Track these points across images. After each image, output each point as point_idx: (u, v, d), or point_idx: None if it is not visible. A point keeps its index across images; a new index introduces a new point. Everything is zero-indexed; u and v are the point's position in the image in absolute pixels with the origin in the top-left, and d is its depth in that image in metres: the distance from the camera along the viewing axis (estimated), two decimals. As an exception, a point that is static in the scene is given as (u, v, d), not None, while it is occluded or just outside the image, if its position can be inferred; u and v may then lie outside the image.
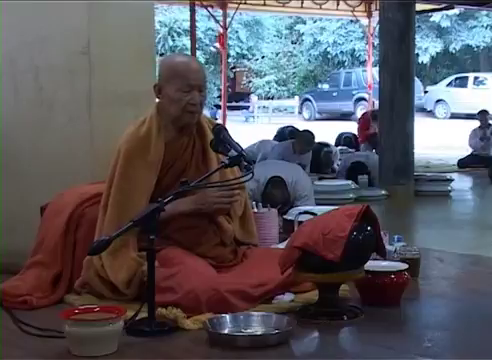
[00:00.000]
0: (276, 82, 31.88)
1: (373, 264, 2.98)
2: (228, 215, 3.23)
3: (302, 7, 16.03)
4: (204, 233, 3.14)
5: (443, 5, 15.63)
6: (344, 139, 13.13)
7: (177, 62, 3.14)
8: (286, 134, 11.95)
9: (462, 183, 10.34)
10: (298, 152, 9.14)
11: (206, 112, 19.67)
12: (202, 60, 27.80)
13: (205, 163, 3.17)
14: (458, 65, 30.97)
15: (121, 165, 3.07)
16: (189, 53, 15.28)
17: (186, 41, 25.03)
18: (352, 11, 16.80)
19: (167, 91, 3.08)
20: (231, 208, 3.20)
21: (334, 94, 25.62)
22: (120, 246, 2.94)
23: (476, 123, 12.86)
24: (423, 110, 23.53)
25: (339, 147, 12.01)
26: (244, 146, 7.81)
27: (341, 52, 30.48)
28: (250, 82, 32.27)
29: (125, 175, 3.06)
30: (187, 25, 18.77)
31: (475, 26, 28.91)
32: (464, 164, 11.94)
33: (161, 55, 27.24)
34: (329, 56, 31.11)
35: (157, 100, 3.21)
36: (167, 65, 3.16)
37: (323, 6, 16.03)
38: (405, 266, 3.06)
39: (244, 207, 3.33)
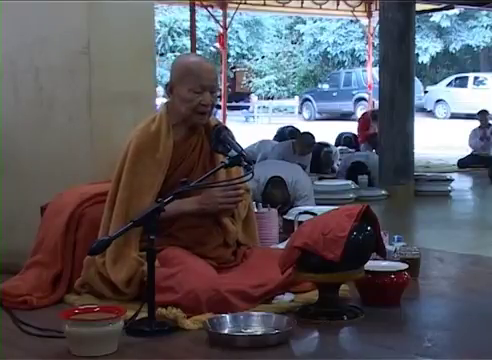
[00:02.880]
0: (276, 82, 31.89)
1: (373, 264, 2.98)
2: (232, 217, 3.23)
3: (302, 7, 16.04)
4: (208, 233, 3.14)
5: (443, 5, 15.63)
6: (344, 139, 13.13)
7: (190, 62, 3.14)
8: (286, 134, 11.95)
9: (462, 183, 10.33)
10: (298, 153, 9.15)
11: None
12: (202, 60, 27.77)
13: (212, 164, 3.17)
14: (458, 65, 30.97)
15: (130, 161, 3.07)
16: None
17: (186, 41, 25.06)
18: (352, 11, 16.80)
19: (179, 91, 3.08)
20: (235, 209, 3.20)
21: (334, 94, 25.62)
22: (122, 245, 2.95)
23: (476, 123, 12.85)
24: (423, 110, 23.53)
25: (339, 147, 12.00)
26: (244, 146, 7.80)
27: (341, 52, 30.49)
28: (250, 82, 32.27)
29: (133, 171, 3.06)
30: (187, 25, 18.79)
31: (475, 26, 28.91)
32: (464, 164, 11.93)
33: (161, 55, 27.28)
34: (329, 56, 31.12)
35: (165, 100, 3.20)
36: (180, 65, 3.15)
37: (323, 6, 16.04)
38: (405, 266, 3.06)
39: (247, 211, 3.33)
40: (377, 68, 10.68)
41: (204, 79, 3.06)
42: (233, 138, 3.07)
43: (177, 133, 3.14)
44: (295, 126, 13.08)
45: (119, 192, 3.06)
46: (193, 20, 14.57)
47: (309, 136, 9.40)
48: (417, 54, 25.63)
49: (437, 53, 29.73)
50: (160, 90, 14.90)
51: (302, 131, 10.55)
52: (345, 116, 24.22)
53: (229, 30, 17.10)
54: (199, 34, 25.01)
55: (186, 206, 3.03)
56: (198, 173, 3.10)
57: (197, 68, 3.07)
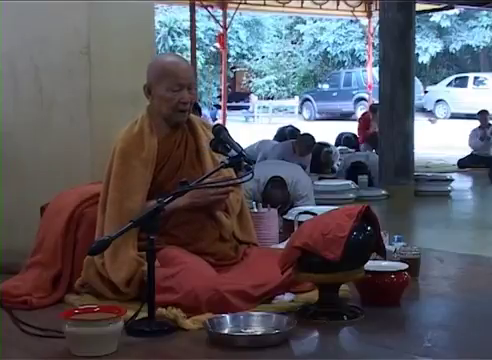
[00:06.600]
0: (276, 82, 31.89)
1: (373, 264, 2.98)
2: (226, 211, 3.24)
3: (302, 7, 16.08)
4: (203, 228, 3.15)
5: (443, 5, 15.65)
6: (344, 139, 13.13)
7: (166, 62, 3.17)
8: (286, 134, 11.95)
9: (462, 183, 10.33)
10: (298, 154, 9.16)
11: (206, 112, 19.71)
12: (202, 60, 27.82)
13: (199, 161, 3.21)
14: (458, 65, 30.96)
15: (116, 164, 3.10)
16: (189, 53, 15.31)
17: (186, 41, 25.05)
18: (352, 11, 16.83)
19: (157, 91, 3.12)
20: (228, 204, 3.21)
21: (334, 94, 25.60)
22: (120, 245, 2.95)
23: (476, 123, 12.85)
24: (423, 110, 23.51)
25: (339, 147, 12.00)
26: (244, 146, 7.81)
27: (341, 52, 30.48)
28: (250, 82, 32.27)
29: (121, 173, 3.09)
30: (187, 25, 18.79)
31: (475, 26, 28.91)
32: (464, 164, 11.93)
33: (161, 55, 27.23)
34: (329, 56, 31.12)
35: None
36: (156, 66, 3.18)
37: (323, 6, 16.07)
38: (405, 266, 3.06)
39: (241, 206, 3.34)
40: (377, 68, 10.68)
41: (181, 78, 3.10)
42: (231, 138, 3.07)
43: (160, 132, 3.17)
44: (295, 125, 13.07)
45: (109, 195, 3.09)
46: (193, 20, 14.59)
47: (309, 137, 9.42)
48: (417, 54, 25.64)
49: (437, 53, 29.73)
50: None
51: (302, 132, 10.56)
52: (345, 116, 24.21)
53: (229, 30, 17.13)
54: (199, 34, 25.00)
55: (178, 201, 3.02)
56: (186, 170, 3.15)
57: (174, 67, 3.11)
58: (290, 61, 32.46)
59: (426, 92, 25.00)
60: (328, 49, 30.57)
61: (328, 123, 22.20)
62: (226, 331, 2.61)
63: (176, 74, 3.10)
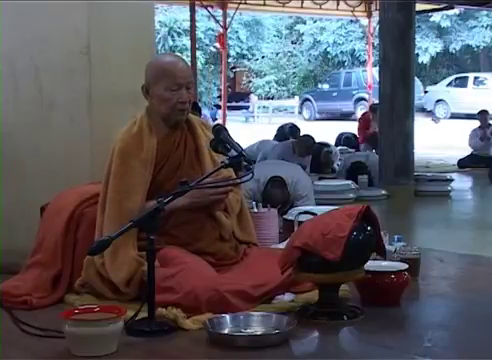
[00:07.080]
0: (276, 82, 31.89)
1: (373, 264, 2.98)
2: (226, 211, 3.24)
3: (302, 7, 16.08)
4: (202, 228, 3.15)
5: (443, 5, 15.65)
6: (344, 139, 13.13)
7: (164, 62, 3.18)
8: (286, 132, 11.96)
9: (462, 183, 10.32)
10: (298, 154, 9.17)
11: (206, 112, 19.72)
12: (202, 60, 27.82)
13: (199, 160, 3.21)
14: (458, 65, 30.97)
15: (115, 164, 3.11)
16: (189, 53, 15.31)
17: (186, 41, 25.06)
18: (352, 11, 16.84)
19: (155, 91, 3.12)
20: (228, 204, 3.21)
21: (334, 94, 25.61)
22: (120, 245, 2.95)
23: (476, 123, 12.85)
24: (423, 110, 23.51)
25: (339, 147, 12.00)
26: (244, 146, 7.81)
27: (341, 52, 30.49)
28: (250, 82, 32.27)
29: (120, 173, 3.09)
30: (187, 25, 18.80)
31: (475, 26, 28.92)
32: (464, 164, 11.93)
33: (161, 55, 27.19)
34: (329, 56, 31.12)
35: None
36: (154, 66, 3.18)
37: (323, 6, 16.08)
38: (405, 266, 3.06)
39: (241, 205, 3.34)
40: (377, 68, 10.68)
41: (179, 77, 3.10)
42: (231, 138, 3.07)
43: (159, 132, 3.18)
44: (295, 123, 13.05)
45: (108, 195, 3.09)
46: (193, 20, 14.59)
47: (308, 138, 9.43)
48: (417, 54, 25.64)
49: (437, 53, 29.73)
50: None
51: (302, 133, 10.55)
52: (345, 116, 24.21)
53: (229, 30, 17.13)
54: (199, 34, 25.00)
55: (178, 201, 3.02)
56: (185, 170, 3.15)
57: (172, 67, 3.12)
58: (290, 61, 32.46)
59: (426, 92, 25.00)
60: (328, 49, 30.57)
61: (328, 123, 22.20)
62: (226, 331, 2.61)
63: (174, 74, 3.10)
